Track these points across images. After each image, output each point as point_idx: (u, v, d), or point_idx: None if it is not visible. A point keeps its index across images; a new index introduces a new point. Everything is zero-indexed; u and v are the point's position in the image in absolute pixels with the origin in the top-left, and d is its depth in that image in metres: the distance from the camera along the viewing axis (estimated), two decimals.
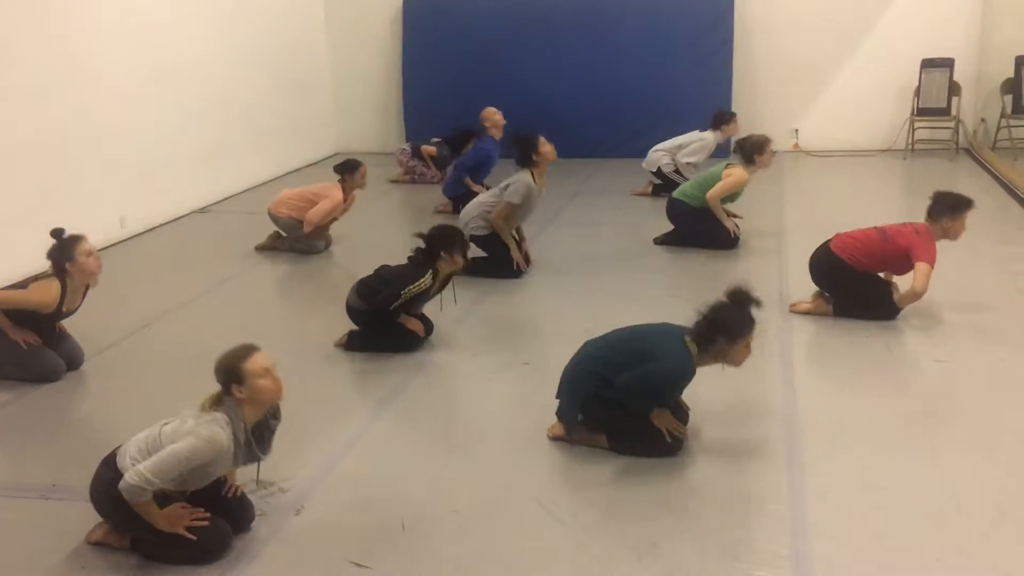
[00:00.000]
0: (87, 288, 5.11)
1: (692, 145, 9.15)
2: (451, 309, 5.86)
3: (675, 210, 7.42)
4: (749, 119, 10.62)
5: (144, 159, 8.27)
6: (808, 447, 4.11)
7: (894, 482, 3.80)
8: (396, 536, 3.53)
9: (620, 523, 3.59)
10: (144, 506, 3.22)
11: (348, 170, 7.60)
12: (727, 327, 3.86)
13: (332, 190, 7.54)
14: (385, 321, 5.28)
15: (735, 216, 7.51)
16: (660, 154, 9.22)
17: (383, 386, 4.96)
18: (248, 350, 3.31)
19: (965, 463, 3.94)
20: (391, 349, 5.32)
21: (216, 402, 3.28)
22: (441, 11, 11.56)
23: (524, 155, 6.70)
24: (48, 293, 4.90)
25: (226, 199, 9.62)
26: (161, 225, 8.52)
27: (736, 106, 10.49)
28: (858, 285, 5.60)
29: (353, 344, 5.41)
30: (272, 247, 7.65)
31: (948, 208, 5.48)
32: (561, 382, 4.21)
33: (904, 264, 5.53)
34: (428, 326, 5.50)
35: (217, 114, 9.48)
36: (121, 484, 3.17)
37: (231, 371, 3.25)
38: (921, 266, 5.37)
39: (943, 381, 4.81)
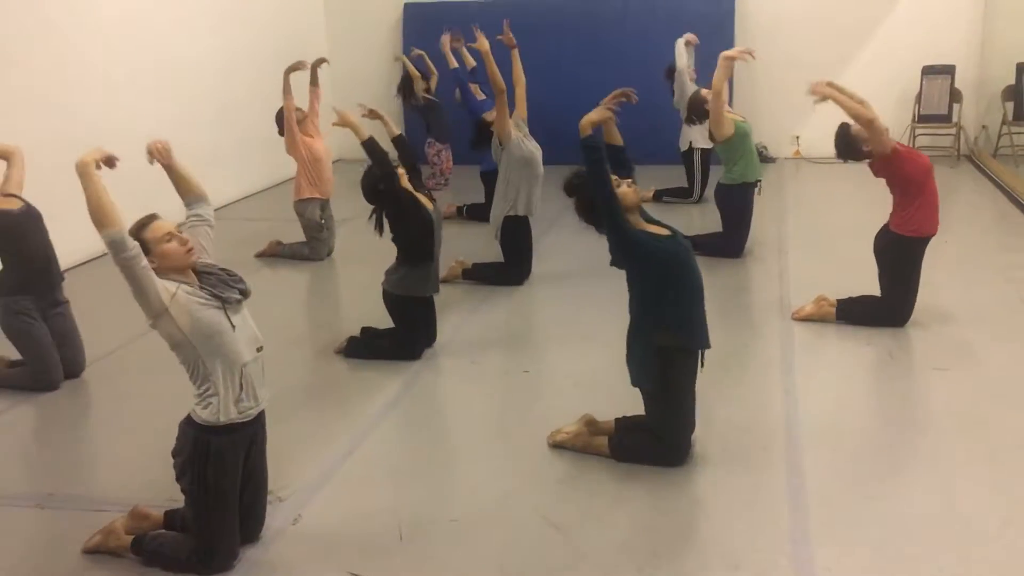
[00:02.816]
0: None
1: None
2: (450, 316, 5.85)
3: (717, 195, 7.47)
4: (751, 125, 10.62)
5: (141, 164, 8.23)
6: (809, 454, 4.08)
7: (895, 490, 3.78)
8: (394, 545, 3.50)
9: (620, 532, 3.57)
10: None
11: (279, 123, 7.62)
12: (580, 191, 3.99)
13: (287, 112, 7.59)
14: (404, 315, 5.32)
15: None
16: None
17: (382, 393, 4.93)
18: (148, 219, 3.40)
19: (966, 471, 3.92)
20: (391, 356, 5.30)
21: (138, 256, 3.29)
22: (442, 16, 11.55)
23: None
24: None
25: (226, 205, 9.60)
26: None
27: (738, 112, 10.46)
28: (905, 269, 5.49)
29: (353, 351, 5.38)
30: (272, 253, 7.63)
31: None
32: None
33: (905, 184, 5.41)
34: (431, 334, 5.48)
35: (216, 119, 9.47)
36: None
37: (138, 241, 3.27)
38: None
39: (944, 389, 4.79)
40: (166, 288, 3.20)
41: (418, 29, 11.67)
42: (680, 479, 3.93)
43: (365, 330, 5.50)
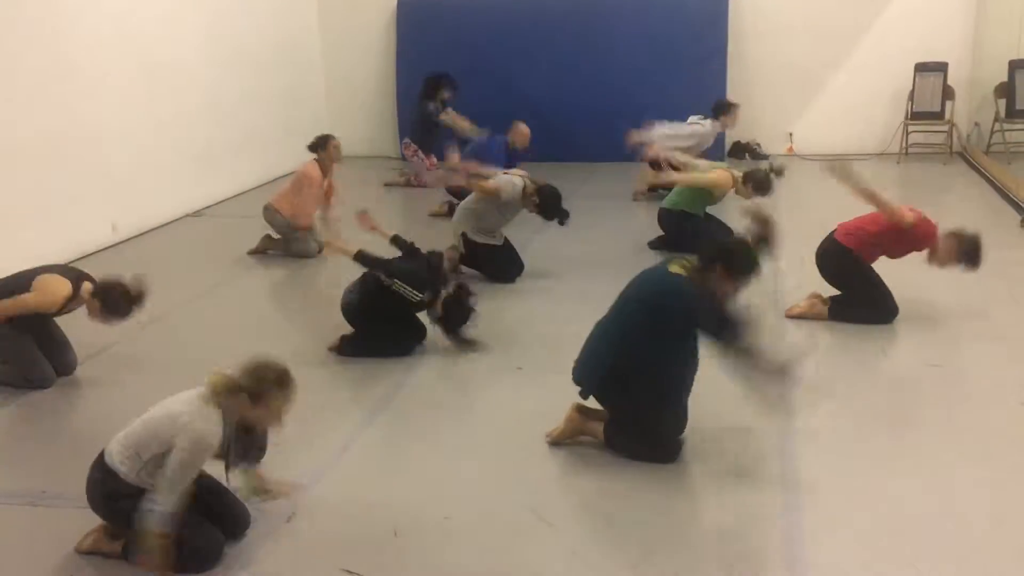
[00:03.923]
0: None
1: (686, 128, 8.87)
2: None
3: (664, 218, 7.42)
4: (744, 123, 10.60)
5: (136, 162, 8.23)
6: (802, 454, 4.09)
7: (889, 489, 3.79)
8: (388, 543, 3.50)
9: (615, 532, 3.57)
10: (162, 543, 3.14)
11: (320, 145, 7.55)
12: (731, 258, 3.82)
13: (308, 168, 7.51)
14: (378, 320, 5.27)
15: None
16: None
17: (376, 391, 4.93)
18: (290, 380, 3.26)
19: (960, 469, 3.93)
20: (385, 354, 5.30)
21: (228, 391, 3.20)
22: (436, 16, 11.54)
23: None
24: (54, 292, 4.77)
25: (219, 203, 9.58)
26: (153, 229, 8.47)
27: None
28: (863, 281, 5.58)
29: (346, 349, 5.38)
30: (264, 250, 7.62)
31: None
32: (580, 361, 4.15)
33: (905, 248, 5.51)
34: (421, 332, 5.47)
35: (209, 117, 9.44)
36: (150, 517, 3.11)
37: (261, 384, 3.19)
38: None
39: (938, 386, 4.80)
40: (203, 439, 3.16)
41: (412, 28, 11.66)
42: (674, 477, 3.93)
43: (356, 327, 5.48)
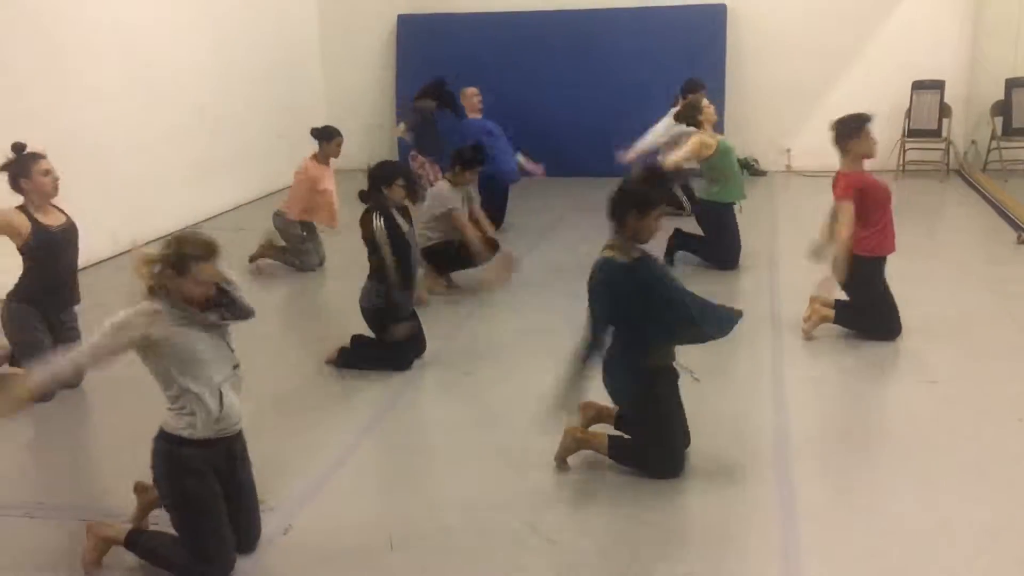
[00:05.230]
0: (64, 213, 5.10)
1: (659, 127, 8.83)
2: (441, 327, 5.85)
3: (698, 210, 7.59)
4: (742, 139, 10.68)
5: (136, 174, 8.25)
6: (799, 467, 4.09)
7: (885, 503, 3.79)
8: (384, 556, 3.50)
9: (611, 546, 3.57)
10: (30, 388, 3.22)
11: (325, 137, 7.56)
12: (635, 198, 3.86)
13: (307, 165, 7.53)
14: (390, 320, 5.30)
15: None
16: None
17: (373, 404, 4.93)
18: (211, 248, 3.33)
19: (955, 486, 3.93)
20: (382, 368, 5.31)
21: (149, 265, 3.28)
22: (436, 31, 11.60)
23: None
24: (16, 215, 4.87)
25: (217, 215, 9.60)
26: (153, 240, 8.47)
27: (728, 126, 10.54)
28: (870, 291, 5.54)
29: (344, 361, 5.38)
30: (265, 255, 7.62)
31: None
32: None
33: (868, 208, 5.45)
34: (420, 345, 5.49)
35: (209, 130, 9.48)
36: (53, 364, 3.24)
37: (180, 255, 3.24)
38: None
39: (934, 402, 4.80)
40: (145, 312, 3.20)
41: (412, 43, 11.71)
42: (670, 491, 3.93)
43: (355, 338, 5.49)
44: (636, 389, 3.98)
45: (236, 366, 3.38)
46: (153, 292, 3.26)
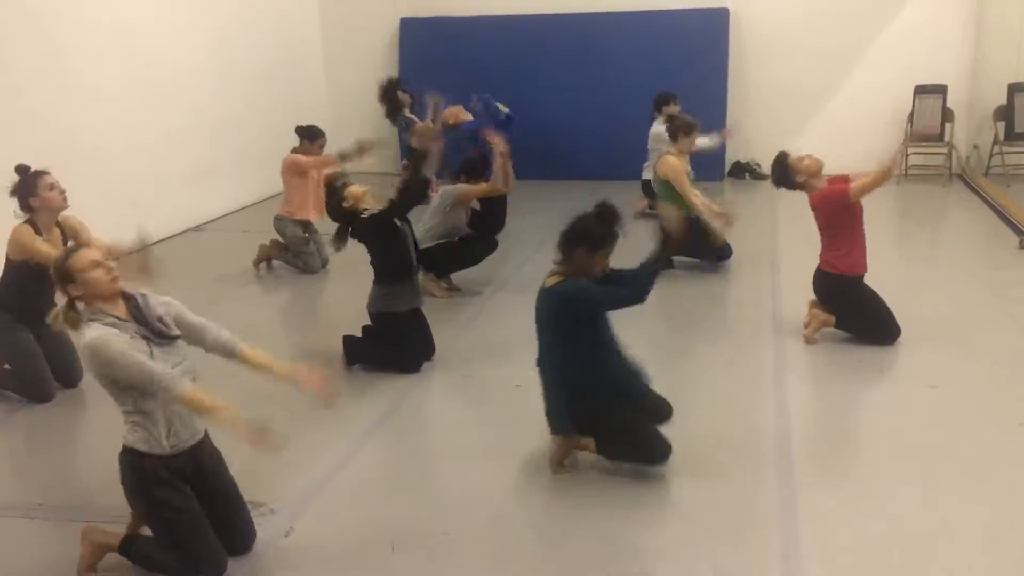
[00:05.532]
0: (63, 235, 5.04)
1: (648, 141, 9.01)
2: (444, 329, 5.84)
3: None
4: (743, 143, 10.69)
5: (137, 177, 8.26)
6: (800, 471, 4.09)
7: (885, 507, 3.78)
8: (385, 558, 3.50)
9: (613, 548, 3.56)
10: (195, 402, 3.16)
11: (309, 136, 7.75)
12: (590, 236, 3.94)
13: (294, 158, 7.71)
14: (392, 331, 5.32)
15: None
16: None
17: (374, 406, 4.93)
18: (75, 248, 3.30)
19: (957, 489, 3.93)
20: (391, 370, 5.31)
21: (66, 318, 3.22)
22: (438, 34, 11.61)
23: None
24: (30, 238, 4.81)
25: (220, 217, 9.61)
26: (155, 243, 8.48)
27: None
28: (863, 303, 5.57)
29: (351, 352, 5.40)
30: (268, 258, 7.62)
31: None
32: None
33: (842, 216, 5.47)
34: (429, 348, 5.50)
35: (211, 132, 9.49)
36: (172, 386, 3.13)
37: (60, 272, 3.21)
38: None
39: (936, 406, 4.80)
40: (103, 337, 3.12)
41: (414, 46, 11.72)
42: (670, 494, 3.93)
43: (366, 329, 5.50)
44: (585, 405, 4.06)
45: (193, 379, 3.29)
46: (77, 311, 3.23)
